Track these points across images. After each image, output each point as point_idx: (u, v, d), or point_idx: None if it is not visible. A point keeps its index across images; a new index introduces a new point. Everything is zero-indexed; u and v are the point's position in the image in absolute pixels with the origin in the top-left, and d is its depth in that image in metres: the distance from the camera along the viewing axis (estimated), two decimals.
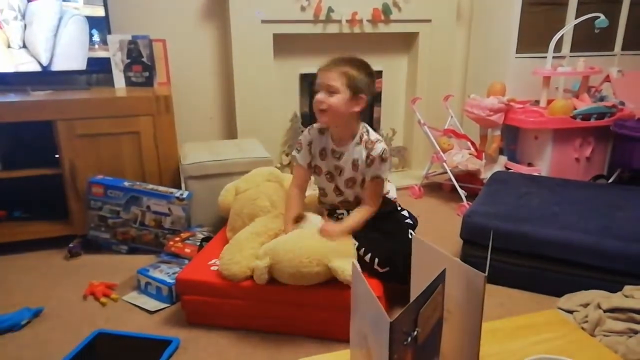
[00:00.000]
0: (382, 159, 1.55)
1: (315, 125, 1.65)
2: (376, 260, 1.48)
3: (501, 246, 1.78)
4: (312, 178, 1.74)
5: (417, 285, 0.83)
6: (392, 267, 1.48)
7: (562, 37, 2.81)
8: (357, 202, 1.67)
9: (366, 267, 1.50)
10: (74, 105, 2.00)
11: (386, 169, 1.58)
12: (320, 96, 1.49)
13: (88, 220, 2.08)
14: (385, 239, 1.56)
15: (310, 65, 2.85)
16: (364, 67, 1.52)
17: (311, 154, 1.65)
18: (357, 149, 1.58)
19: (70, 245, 2.05)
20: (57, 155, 2.03)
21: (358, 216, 1.60)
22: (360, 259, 1.50)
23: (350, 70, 1.48)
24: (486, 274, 0.72)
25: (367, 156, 1.56)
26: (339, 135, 1.60)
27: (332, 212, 1.77)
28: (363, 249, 1.52)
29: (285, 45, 2.71)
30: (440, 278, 0.71)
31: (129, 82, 2.35)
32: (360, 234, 1.57)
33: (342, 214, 1.71)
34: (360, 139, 1.58)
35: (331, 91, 1.47)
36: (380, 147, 1.55)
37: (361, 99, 1.50)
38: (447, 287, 0.75)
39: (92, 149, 2.05)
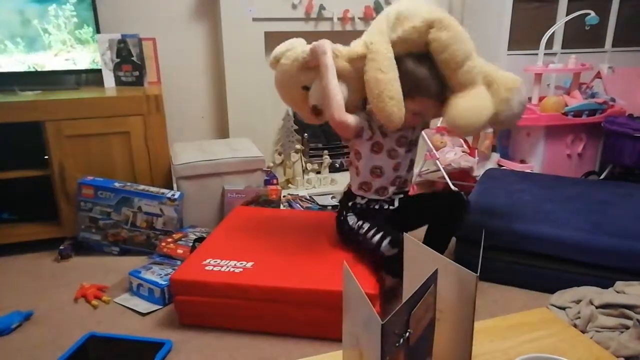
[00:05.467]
0: None
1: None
2: (387, 239, 1.48)
3: (494, 243, 1.78)
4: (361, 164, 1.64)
5: (409, 286, 0.83)
6: (400, 251, 1.50)
7: (553, 34, 2.82)
8: (406, 180, 1.70)
9: (372, 249, 1.51)
10: (62, 105, 1.97)
11: None
12: None
13: (78, 222, 2.05)
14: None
15: None
16: None
17: (372, 131, 1.57)
18: None
19: (61, 247, 2.02)
20: (46, 157, 2.00)
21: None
22: (367, 240, 1.52)
23: None
24: (478, 273, 0.72)
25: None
26: None
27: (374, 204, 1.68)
28: (374, 229, 1.53)
29: (276, 43, 2.68)
30: (432, 279, 0.71)
31: (118, 82, 2.33)
32: (370, 218, 1.58)
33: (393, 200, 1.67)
34: None
35: None
36: None
37: None
38: (439, 287, 0.74)
39: (81, 150, 2.03)
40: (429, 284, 0.70)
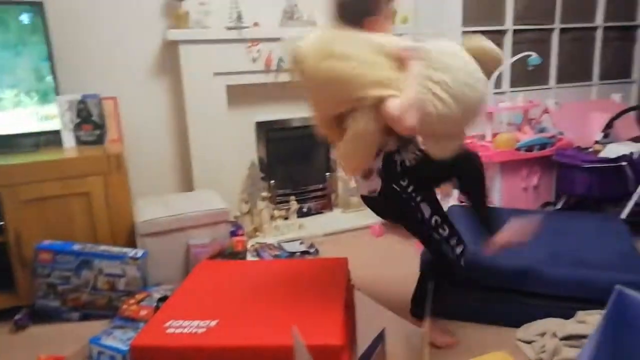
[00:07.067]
0: None
1: None
2: (464, 257, 1.63)
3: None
4: None
5: (361, 344, 0.83)
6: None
7: (500, 74, 3.00)
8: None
9: (444, 254, 1.62)
10: (18, 169, 1.93)
11: None
12: None
13: (35, 289, 1.97)
14: None
15: (266, 112, 2.90)
16: None
17: None
18: None
19: (17, 317, 1.93)
20: (1, 223, 1.94)
21: None
22: (445, 245, 1.61)
23: None
24: (427, 322, 0.73)
25: None
26: None
27: None
28: (456, 238, 1.65)
29: (239, 95, 2.75)
30: (380, 339, 0.72)
31: (79, 142, 2.31)
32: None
33: None
34: None
35: None
36: None
37: None
38: (389, 344, 0.75)
39: (39, 214, 1.98)
40: (376, 345, 0.71)
